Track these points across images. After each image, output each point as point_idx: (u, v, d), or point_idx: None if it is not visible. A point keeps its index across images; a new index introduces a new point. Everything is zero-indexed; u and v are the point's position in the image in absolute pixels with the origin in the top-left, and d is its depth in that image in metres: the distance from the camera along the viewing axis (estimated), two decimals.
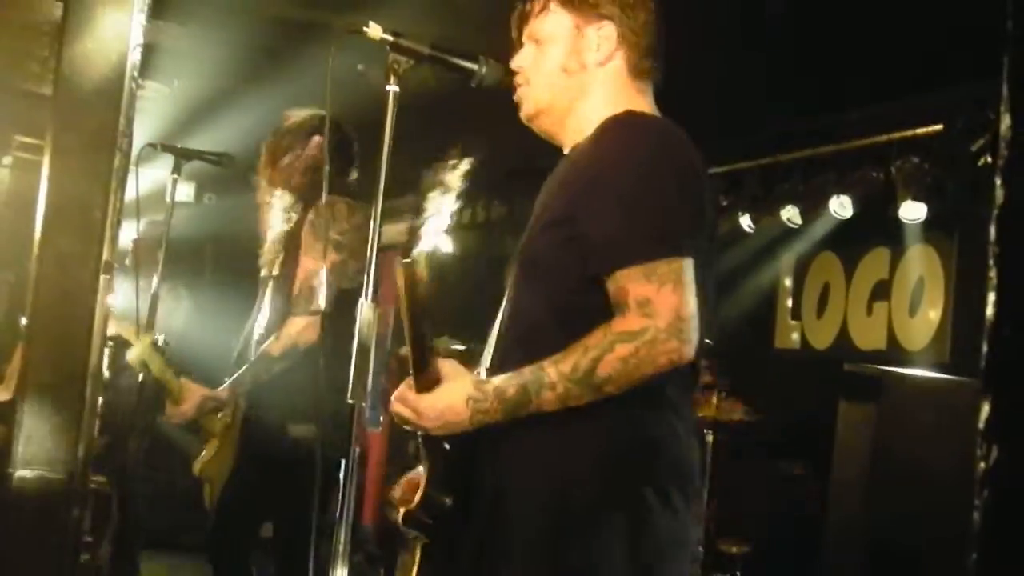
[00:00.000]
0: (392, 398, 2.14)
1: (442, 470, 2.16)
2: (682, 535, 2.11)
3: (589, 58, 2.28)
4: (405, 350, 2.11)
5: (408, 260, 1.99)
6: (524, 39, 2.33)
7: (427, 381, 2.10)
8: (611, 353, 1.98)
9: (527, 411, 2.04)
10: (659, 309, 1.98)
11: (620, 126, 2.18)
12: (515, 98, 2.32)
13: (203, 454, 3.80)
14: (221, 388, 3.77)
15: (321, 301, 3.65)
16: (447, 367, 2.12)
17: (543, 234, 2.18)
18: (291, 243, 3.84)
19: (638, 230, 2.03)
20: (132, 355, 3.83)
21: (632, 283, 2.00)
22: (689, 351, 2.01)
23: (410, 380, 2.12)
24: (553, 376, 2.02)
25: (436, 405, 2.08)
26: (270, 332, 3.79)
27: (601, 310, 2.05)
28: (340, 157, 3.84)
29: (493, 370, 2.16)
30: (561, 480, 2.08)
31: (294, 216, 3.88)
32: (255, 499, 3.83)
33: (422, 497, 2.15)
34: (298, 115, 3.95)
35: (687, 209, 2.10)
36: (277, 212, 3.87)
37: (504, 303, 2.26)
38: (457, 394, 2.08)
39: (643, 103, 2.31)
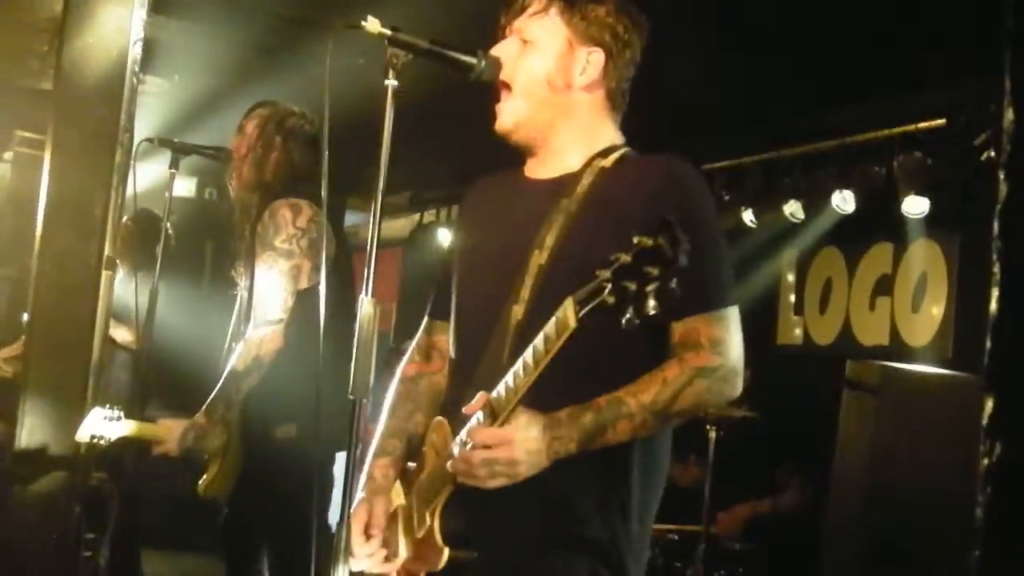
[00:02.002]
0: (468, 445, 2.06)
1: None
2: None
3: (575, 79, 2.26)
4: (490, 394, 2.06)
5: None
6: (511, 31, 2.30)
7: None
8: (690, 387, 2.12)
9: (600, 442, 2.09)
10: (730, 350, 2.17)
11: (679, 167, 2.22)
12: (496, 107, 2.29)
13: (205, 476, 3.77)
14: (199, 415, 3.71)
15: (279, 311, 3.59)
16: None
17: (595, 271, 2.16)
18: (250, 251, 3.75)
19: (713, 277, 2.18)
20: (82, 436, 3.78)
21: (705, 326, 2.15)
22: (741, 387, 2.21)
23: (474, 426, 2.08)
24: (633, 407, 2.10)
25: (519, 439, 2.04)
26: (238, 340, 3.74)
27: (648, 353, 2.16)
28: (310, 154, 3.80)
29: (530, 401, 2.07)
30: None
31: (255, 212, 3.77)
32: (255, 517, 3.80)
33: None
34: (265, 109, 3.88)
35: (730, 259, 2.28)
36: (245, 214, 3.78)
37: (508, 327, 2.18)
38: (533, 426, 2.05)
39: (619, 136, 2.33)
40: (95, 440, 3.68)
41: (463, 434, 2.10)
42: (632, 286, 1.78)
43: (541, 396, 2.05)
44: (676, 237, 1.77)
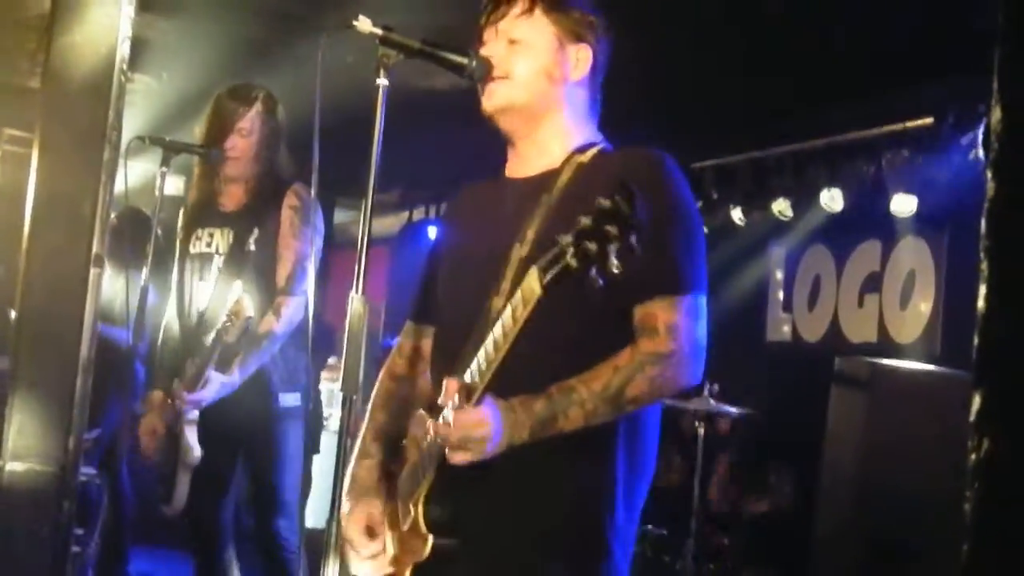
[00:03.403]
0: (437, 424, 2.10)
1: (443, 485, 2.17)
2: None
3: (569, 72, 2.31)
4: (462, 378, 2.09)
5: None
6: (496, 33, 2.31)
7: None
8: (641, 373, 2.11)
9: (553, 430, 2.10)
10: (686, 336, 2.14)
11: (654, 157, 2.24)
12: (484, 89, 2.29)
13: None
14: (233, 371, 3.83)
15: (306, 283, 3.82)
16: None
17: None
18: (265, 222, 3.90)
19: (676, 263, 2.18)
20: None
21: (662, 311, 2.14)
22: (700, 376, 2.19)
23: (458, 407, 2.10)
24: (584, 394, 2.10)
25: (491, 419, 2.06)
26: (263, 308, 3.85)
27: (620, 334, 2.15)
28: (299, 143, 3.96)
29: (494, 384, 2.10)
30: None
31: (252, 192, 3.99)
32: (229, 464, 3.99)
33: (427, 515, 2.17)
34: (256, 105, 4.01)
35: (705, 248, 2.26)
36: (241, 184, 3.99)
37: (487, 319, 2.19)
38: (497, 410, 2.08)
39: (596, 133, 2.37)
40: None
41: (445, 415, 2.11)
42: (593, 246, 1.80)
43: (514, 384, 2.08)
44: (632, 194, 1.79)
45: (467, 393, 2.07)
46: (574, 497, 2.17)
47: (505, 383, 2.07)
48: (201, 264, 4.00)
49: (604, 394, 2.10)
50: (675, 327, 2.13)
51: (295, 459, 3.99)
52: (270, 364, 3.89)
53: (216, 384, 3.81)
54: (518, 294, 1.96)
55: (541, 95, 2.29)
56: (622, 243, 1.78)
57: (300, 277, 3.87)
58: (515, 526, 2.16)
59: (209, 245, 4.01)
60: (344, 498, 2.29)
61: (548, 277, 1.86)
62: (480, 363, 2.06)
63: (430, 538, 2.15)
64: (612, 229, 1.78)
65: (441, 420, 2.10)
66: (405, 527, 2.21)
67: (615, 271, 1.79)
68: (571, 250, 1.82)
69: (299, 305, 3.86)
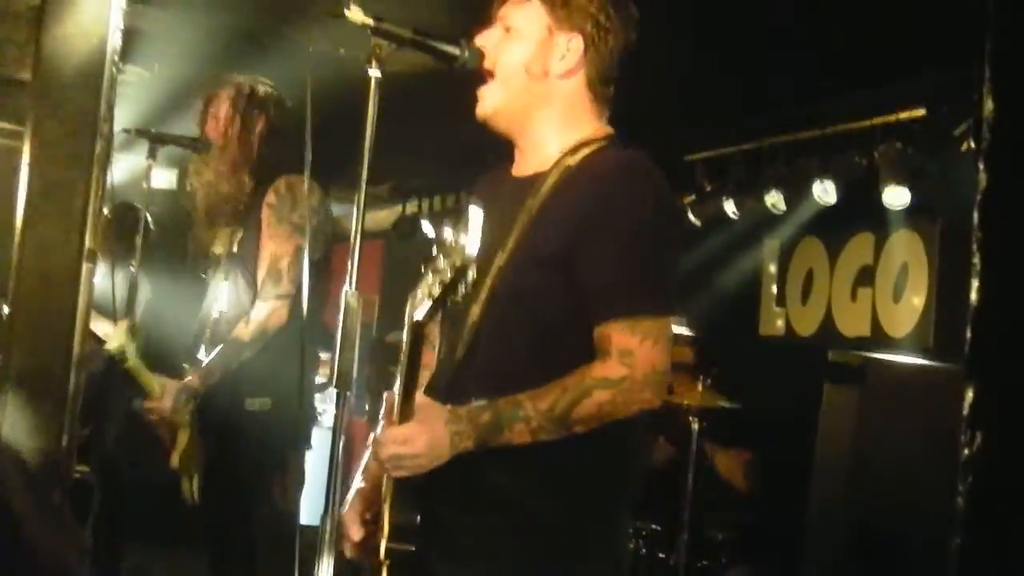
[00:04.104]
0: (378, 442, 2.12)
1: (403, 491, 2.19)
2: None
3: (553, 66, 2.26)
4: (395, 392, 2.10)
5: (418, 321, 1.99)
6: (497, 19, 2.30)
7: (407, 415, 2.10)
8: (589, 398, 2.09)
9: (497, 441, 2.10)
10: (638, 361, 2.10)
11: (626, 169, 2.21)
12: (478, 92, 2.30)
13: (177, 445, 3.78)
14: (189, 378, 3.74)
15: (289, 285, 3.68)
16: (418, 399, 2.12)
17: (536, 270, 2.18)
18: (248, 221, 3.81)
19: (634, 284, 2.14)
20: (111, 345, 3.83)
21: (617, 333, 2.11)
22: (658, 401, 2.16)
23: (387, 424, 2.13)
24: (529, 411, 2.09)
25: (422, 433, 2.07)
26: (237, 313, 3.78)
27: (581, 352, 2.14)
28: (286, 116, 3.85)
29: (455, 394, 2.13)
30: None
31: (246, 190, 3.84)
32: (229, 486, 3.85)
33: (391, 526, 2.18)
34: (229, 88, 3.91)
35: (676, 266, 2.23)
36: (231, 185, 3.84)
37: (466, 326, 2.21)
38: (437, 420, 2.09)
39: (603, 126, 2.33)
40: (121, 348, 3.72)
41: (377, 432, 2.15)
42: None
43: (470, 381, 2.12)
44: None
45: (392, 409, 2.10)
46: (541, 511, 2.17)
47: (461, 392, 2.11)
48: (214, 267, 3.95)
49: (550, 414, 2.08)
50: (628, 352, 2.10)
51: (258, 466, 3.81)
52: (239, 370, 3.74)
53: (172, 392, 3.72)
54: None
55: (522, 92, 2.27)
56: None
57: (276, 280, 3.71)
58: (470, 531, 2.17)
59: (217, 246, 3.96)
60: (355, 482, 2.32)
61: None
62: (397, 384, 2.09)
63: (383, 542, 2.17)
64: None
65: (372, 436, 2.14)
66: (383, 522, 2.23)
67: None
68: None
69: (272, 311, 3.69)
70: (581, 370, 2.10)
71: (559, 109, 2.29)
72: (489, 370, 2.13)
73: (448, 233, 1.91)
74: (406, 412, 2.08)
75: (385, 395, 2.14)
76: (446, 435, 2.07)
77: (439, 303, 1.94)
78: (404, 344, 2.02)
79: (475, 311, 2.19)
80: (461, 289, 1.90)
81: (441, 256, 1.90)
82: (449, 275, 1.88)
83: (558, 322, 2.14)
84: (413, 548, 2.20)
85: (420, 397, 2.10)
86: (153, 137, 4.03)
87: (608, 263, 2.13)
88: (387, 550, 2.16)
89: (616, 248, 2.14)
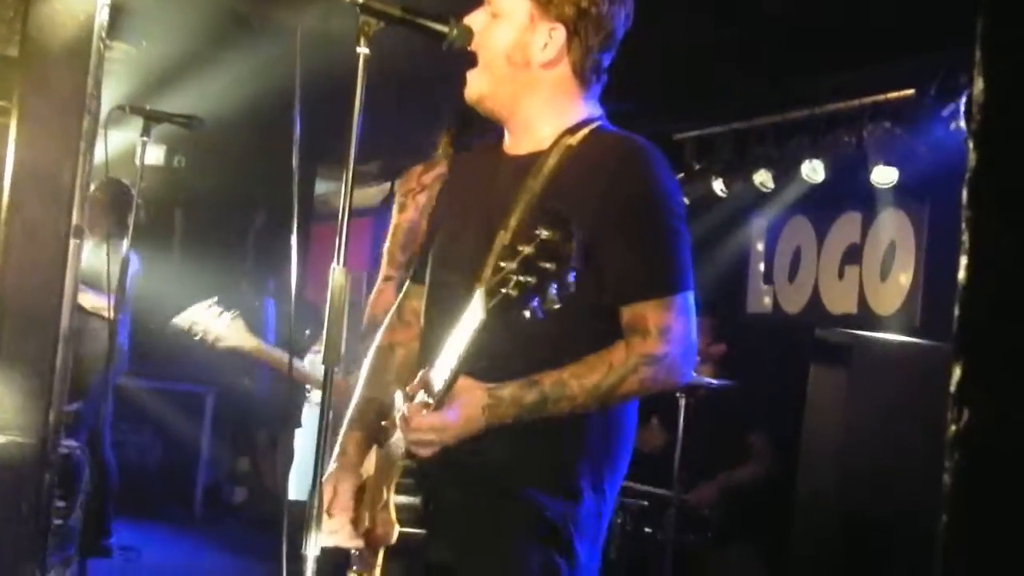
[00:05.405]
0: (410, 428, 2.10)
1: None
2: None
3: (533, 56, 2.24)
4: (430, 374, 2.07)
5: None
6: (485, 2, 2.29)
7: (448, 399, 2.09)
8: (635, 374, 2.14)
9: (539, 416, 2.13)
10: (677, 337, 2.16)
11: (635, 151, 2.22)
12: (467, 74, 2.29)
13: None
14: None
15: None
16: (460, 382, 2.09)
17: None
18: None
19: (664, 263, 2.19)
20: (236, 343, 3.88)
21: (652, 311, 2.15)
22: (691, 374, 2.25)
23: (417, 406, 2.09)
24: (575, 389, 2.12)
25: (458, 420, 2.08)
26: None
27: (604, 334, 2.16)
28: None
29: (478, 373, 2.10)
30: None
31: None
32: None
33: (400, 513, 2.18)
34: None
35: (689, 242, 2.26)
36: None
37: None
38: (475, 407, 2.09)
39: (593, 110, 2.32)
40: (193, 333, 3.73)
41: (404, 410, 2.11)
42: (532, 280, 1.77)
43: (488, 362, 2.07)
44: (569, 232, 1.76)
45: (428, 392, 2.06)
46: (544, 487, 2.17)
47: (478, 372, 2.08)
48: None
49: (596, 391, 2.12)
50: (667, 329, 2.14)
51: None
52: None
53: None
54: (467, 311, 1.93)
55: (504, 81, 2.25)
56: (560, 280, 1.77)
57: None
58: (482, 518, 2.17)
59: None
60: (331, 464, 2.30)
61: (492, 303, 1.83)
62: (443, 371, 2.05)
63: (396, 527, 2.16)
64: (551, 266, 1.75)
65: (400, 416, 2.11)
66: (379, 508, 2.22)
67: (555, 306, 1.79)
68: (513, 279, 1.79)
69: None
70: (624, 348, 2.14)
71: (546, 96, 2.27)
72: (511, 354, 2.11)
73: None
74: (446, 397, 2.06)
75: (420, 373, 2.10)
76: (482, 421, 2.10)
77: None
78: (466, 331, 1.95)
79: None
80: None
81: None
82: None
83: (580, 310, 2.11)
84: (423, 532, 2.19)
85: (463, 380, 2.07)
86: (148, 114, 4.03)
87: (634, 244, 2.17)
88: (400, 535, 2.15)
89: (640, 229, 2.17)
